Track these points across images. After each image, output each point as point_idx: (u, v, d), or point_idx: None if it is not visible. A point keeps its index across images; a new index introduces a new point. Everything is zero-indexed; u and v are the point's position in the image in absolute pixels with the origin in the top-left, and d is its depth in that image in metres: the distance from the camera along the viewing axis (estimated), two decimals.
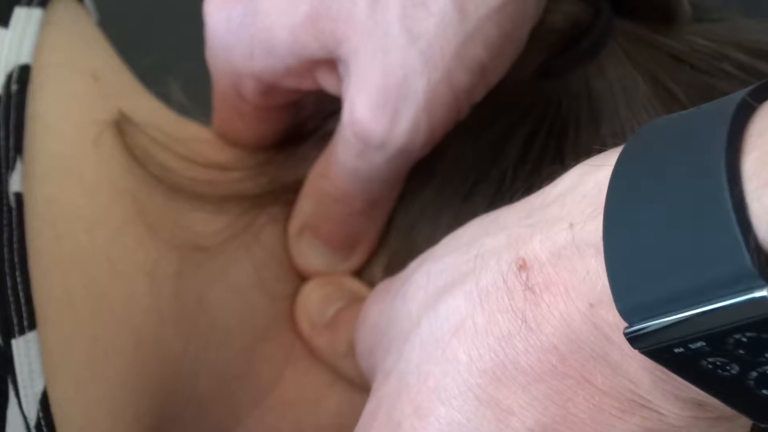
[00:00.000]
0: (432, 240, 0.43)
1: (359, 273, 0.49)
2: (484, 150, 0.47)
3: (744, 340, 0.29)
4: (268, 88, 0.47)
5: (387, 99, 0.43)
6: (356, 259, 0.48)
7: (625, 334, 0.31)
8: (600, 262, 0.31)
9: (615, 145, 0.44)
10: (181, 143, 0.47)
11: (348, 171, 0.45)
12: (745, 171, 0.29)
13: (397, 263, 0.47)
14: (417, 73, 0.42)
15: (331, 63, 0.45)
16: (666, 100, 0.45)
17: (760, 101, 0.30)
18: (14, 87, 0.43)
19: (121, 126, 0.46)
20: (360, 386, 0.47)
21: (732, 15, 0.48)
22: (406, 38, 0.42)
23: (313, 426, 0.48)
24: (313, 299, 0.48)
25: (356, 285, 0.49)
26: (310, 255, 0.48)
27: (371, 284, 0.48)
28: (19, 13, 0.45)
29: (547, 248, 0.33)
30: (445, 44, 0.42)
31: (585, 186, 0.34)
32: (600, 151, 0.35)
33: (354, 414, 0.42)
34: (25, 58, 0.44)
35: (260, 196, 0.48)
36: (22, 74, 0.44)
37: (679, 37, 0.47)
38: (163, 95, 0.50)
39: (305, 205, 0.48)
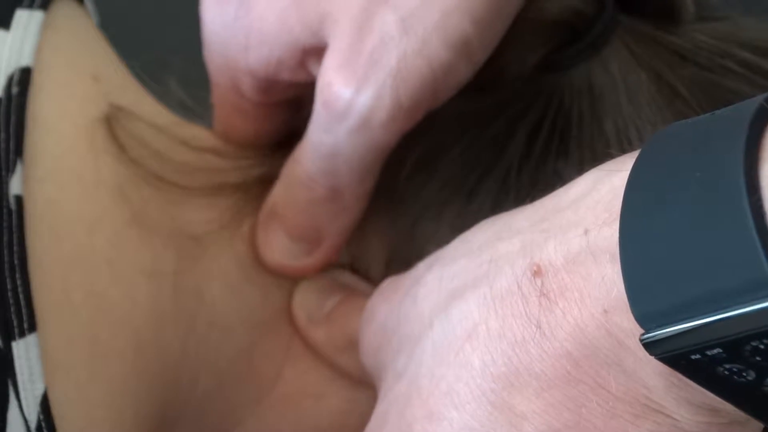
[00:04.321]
0: (434, 237, 0.43)
1: (356, 268, 0.49)
2: (486, 146, 0.46)
3: (761, 347, 0.29)
4: (266, 84, 0.46)
5: (358, 61, 0.42)
6: (318, 257, 0.47)
7: (641, 341, 0.30)
8: (615, 269, 0.31)
9: (619, 141, 0.44)
10: (178, 141, 0.47)
11: (312, 147, 0.44)
12: (763, 177, 0.29)
13: (397, 260, 0.47)
14: (393, 41, 0.41)
15: (321, 51, 0.44)
16: (669, 96, 0.45)
17: None
18: (15, 89, 0.43)
19: (110, 120, 0.45)
20: (360, 382, 0.47)
21: (735, 14, 0.48)
22: (387, 6, 0.42)
23: (314, 425, 0.48)
24: (310, 293, 0.48)
25: (352, 279, 0.49)
26: (272, 244, 0.47)
27: (367, 278, 0.48)
28: (21, 15, 0.45)
29: (562, 254, 0.33)
30: (426, 14, 0.41)
31: (599, 191, 0.34)
32: (607, 153, 0.35)
33: (355, 412, 0.42)
34: (26, 61, 0.44)
35: (249, 189, 0.48)
36: (23, 77, 0.44)
37: (683, 35, 0.46)
38: (163, 94, 0.49)
39: (276, 190, 0.47)
